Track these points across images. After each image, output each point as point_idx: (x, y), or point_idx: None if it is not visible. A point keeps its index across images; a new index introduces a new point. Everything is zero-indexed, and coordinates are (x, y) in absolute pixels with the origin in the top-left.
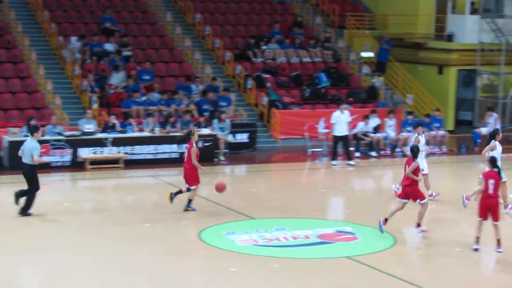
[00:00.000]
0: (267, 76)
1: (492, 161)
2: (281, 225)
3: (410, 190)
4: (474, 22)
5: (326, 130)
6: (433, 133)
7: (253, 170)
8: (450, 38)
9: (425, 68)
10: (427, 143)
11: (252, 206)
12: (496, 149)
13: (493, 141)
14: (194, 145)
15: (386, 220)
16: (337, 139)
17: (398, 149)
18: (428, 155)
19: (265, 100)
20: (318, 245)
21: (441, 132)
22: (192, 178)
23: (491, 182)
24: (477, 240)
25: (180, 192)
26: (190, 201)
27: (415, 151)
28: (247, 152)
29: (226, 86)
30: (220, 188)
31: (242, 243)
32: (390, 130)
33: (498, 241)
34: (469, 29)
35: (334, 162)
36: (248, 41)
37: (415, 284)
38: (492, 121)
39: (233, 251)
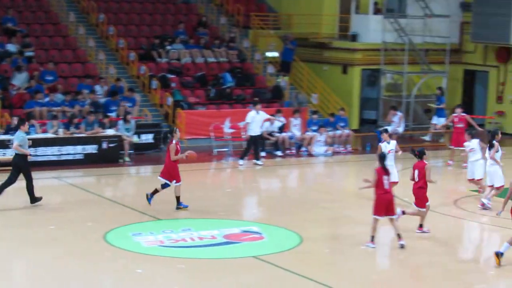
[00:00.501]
0: (172, 76)
1: (381, 158)
2: (187, 226)
3: (419, 194)
4: (377, 22)
5: (232, 130)
6: (338, 132)
7: (158, 171)
8: (354, 38)
9: (329, 67)
10: (332, 142)
11: (158, 207)
12: (498, 151)
13: (495, 142)
14: (174, 142)
15: (421, 225)
16: (252, 139)
17: (303, 149)
18: (333, 154)
19: (170, 100)
20: (224, 245)
21: (346, 131)
22: (175, 175)
23: (385, 178)
24: (372, 239)
25: (156, 191)
26: (178, 198)
27: (421, 152)
28: (152, 153)
29: (130, 86)
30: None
31: (148, 244)
32: (296, 129)
33: (399, 235)
34: (372, 29)
35: (241, 162)
36: (152, 41)
37: (320, 282)
38: (397, 120)
39: (139, 252)
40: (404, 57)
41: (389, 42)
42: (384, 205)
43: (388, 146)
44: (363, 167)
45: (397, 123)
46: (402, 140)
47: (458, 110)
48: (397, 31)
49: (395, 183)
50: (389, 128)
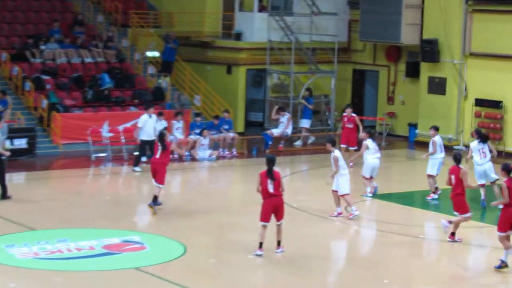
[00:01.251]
0: (47, 77)
1: (269, 161)
2: (63, 236)
3: (458, 200)
4: (262, 20)
5: (111, 134)
6: (222, 135)
7: (32, 177)
8: (238, 36)
9: (213, 67)
10: (216, 146)
11: (32, 216)
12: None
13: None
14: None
15: (453, 234)
16: (144, 143)
17: (186, 153)
18: (217, 158)
19: (44, 103)
20: (104, 256)
21: (231, 134)
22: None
23: (270, 182)
24: (260, 246)
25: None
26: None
27: (458, 158)
28: (26, 159)
29: (2, 88)
30: None
31: (22, 256)
32: (178, 132)
33: (279, 242)
34: (257, 27)
35: (137, 169)
36: (25, 41)
37: None
38: (285, 121)
39: (13, 265)
40: (290, 56)
41: (275, 41)
42: (270, 210)
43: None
44: (249, 172)
45: (285, 124)
46: (291, 142)
47: (348, 111)
48: (283, 30)
49: (345, 195)
50: (278, 130)
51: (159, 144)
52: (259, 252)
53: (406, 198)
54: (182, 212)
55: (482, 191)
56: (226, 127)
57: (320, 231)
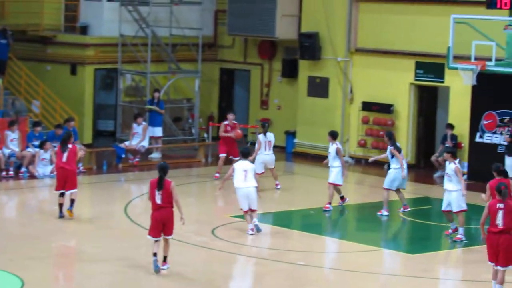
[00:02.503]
0: None
1: (161, 169)
2: None
3: None
4: (112, 11)
5: None
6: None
7: None
8: (83, 30)
9: (54, 67)
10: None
11: None
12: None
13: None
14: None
15: None
16: None
17: (23, 169)
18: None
19: None
20: None
21: (78, 146)
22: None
23: (158, 192)
24: (155, 255)
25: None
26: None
27: (502, 171)
28: None
29: None
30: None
31: None
32: (13, 145)
33: (165, 258)
34: (107, 19)
35: None
36: None
37: None
38: (140, 131)
39: None
40: (146, 53)
41: (128, 36)
42: (158, 224)
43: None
44: (98, 191)
45: (141, 135)
46: (146, 156)
47: (231, 117)
48: (138, 22)
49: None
50: (133, 143)
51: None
52: (163, 266)
53: (283, 220)
54: (19, 239)
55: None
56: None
57: (190, 259)
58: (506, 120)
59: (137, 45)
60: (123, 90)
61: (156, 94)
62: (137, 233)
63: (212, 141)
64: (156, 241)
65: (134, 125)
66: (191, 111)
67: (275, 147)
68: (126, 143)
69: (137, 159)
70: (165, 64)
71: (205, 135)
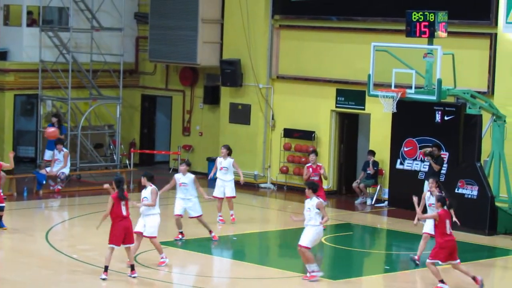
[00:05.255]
0: None
1: (117, 182)
2: None
3: None
4: (33, 36)
5: None
6: None
7: None
8: (3, 55)
9: None
10: None
11: None
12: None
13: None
14: None
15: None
16: None
17: None
18: None
19: None
20: None
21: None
22: None
23: (123, 203)
24: (106, 269)
25: None
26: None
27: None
28: None
29: None
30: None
31: None
32: None
33: (133, 266)
34: (27, 45)
35: None
36: None
37: None
38: (61, 158)
39: None
40: (67, 79)
41: (49, 62)
42: (122, 233)
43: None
44: (19, 218)
45: (62, 161)
46: (71, 183)
47: (313, 158)
48: (58, 48)
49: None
50: (54, 169)
51: None
52: (103, 276)
53: (206, 246)
54: None
55: None
56: None
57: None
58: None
59: (57, 71)
60: (44, 116)
61: (54, 119)
62: (58, 260)
63: (133, 167)
64: (113, 249)
65: (55, 152)
66: (112, 138)
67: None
68: (47, 169)
69: (58, 186)
70: (86, 90)
71: (127, 162)
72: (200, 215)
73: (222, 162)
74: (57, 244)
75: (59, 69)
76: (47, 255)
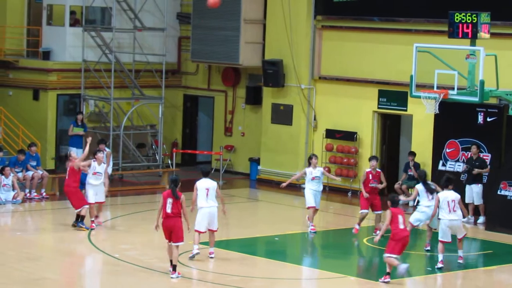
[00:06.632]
0: None
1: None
2: None
3: None
4: (75, 36)
5: None
6: (29, 173)
7: None
8: (46, 55)
9: (15, 92)
10: (21, 186)
11: None
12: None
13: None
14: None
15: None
16: None
17: None
18: (23, 201)
19: None
20: None
21: (40, 172)
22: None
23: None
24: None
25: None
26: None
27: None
28: None
29: None
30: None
31: None
32: None
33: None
34: (70, 45)
35: None
36: None
37: None
38: (104, 158)
39: None
40: (110, 79)
41: (91, 61)
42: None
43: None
44: (62, 216)
45: (105, 161)
46: (113, 182)
47: (373, 163)
48: (101, 48)
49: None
50: None
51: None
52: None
53: (248, 246)
54: None
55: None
56: (34, 163)
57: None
58: (463, 168)
59: (100, 71)
60: (86, 116)
61: (80, 117)
62: (99, 259)
63: (175, 167)
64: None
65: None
66: (154, 137)
67: (238, 173)
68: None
69: None
70: (128, 90)
71: (169, 161)
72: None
73: (313, 172)
74: (99, 244)
75: (102, 69)
76: (90, 254)
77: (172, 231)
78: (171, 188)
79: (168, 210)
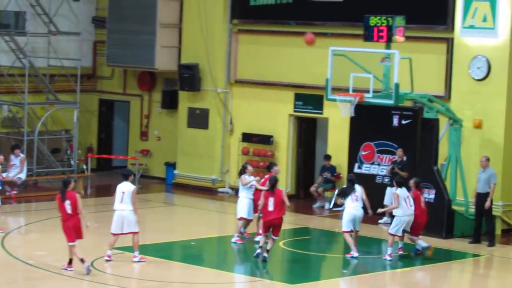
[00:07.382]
0: None
1: (64, 183)
2: None
3: None
4: None
5: None
6: None
7: None
8: None
9: None
10: None
11: None
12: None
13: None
14: None
15: None
16: None
17: None
18: None
19: None
20: None
21: None
22: None
23: (67, 203)
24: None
25: None
26: None
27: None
28: None
29: None
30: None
31: None
32: None
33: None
34: None
35: None
36: None
37: None
38: (18, 163)
39: None
40: (24, 84)
41: (5, 66)
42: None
43: None
44: None
45: (18, 166)
46: (27, 188)
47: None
48: (15, 52)
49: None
50: (10, 174)
51: None
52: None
53: (164, 251)
54: None
55: None
56: None
57: None
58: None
59: (14, 76)
60: (0, 121)
61: None
62: (13, 267)
63: (90, 172)
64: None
65: (12, 157)
66: (69, 142)
67: (154, 178)
68: (3, 174)
69: (14, 192)
70: (43, 95)
71: (84, 167)
72: None
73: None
74: (13, 251)
75: (16, 73)
76: (3, 261)
77: (76, 231)
78: (61, 189)
79: (69, 211)
